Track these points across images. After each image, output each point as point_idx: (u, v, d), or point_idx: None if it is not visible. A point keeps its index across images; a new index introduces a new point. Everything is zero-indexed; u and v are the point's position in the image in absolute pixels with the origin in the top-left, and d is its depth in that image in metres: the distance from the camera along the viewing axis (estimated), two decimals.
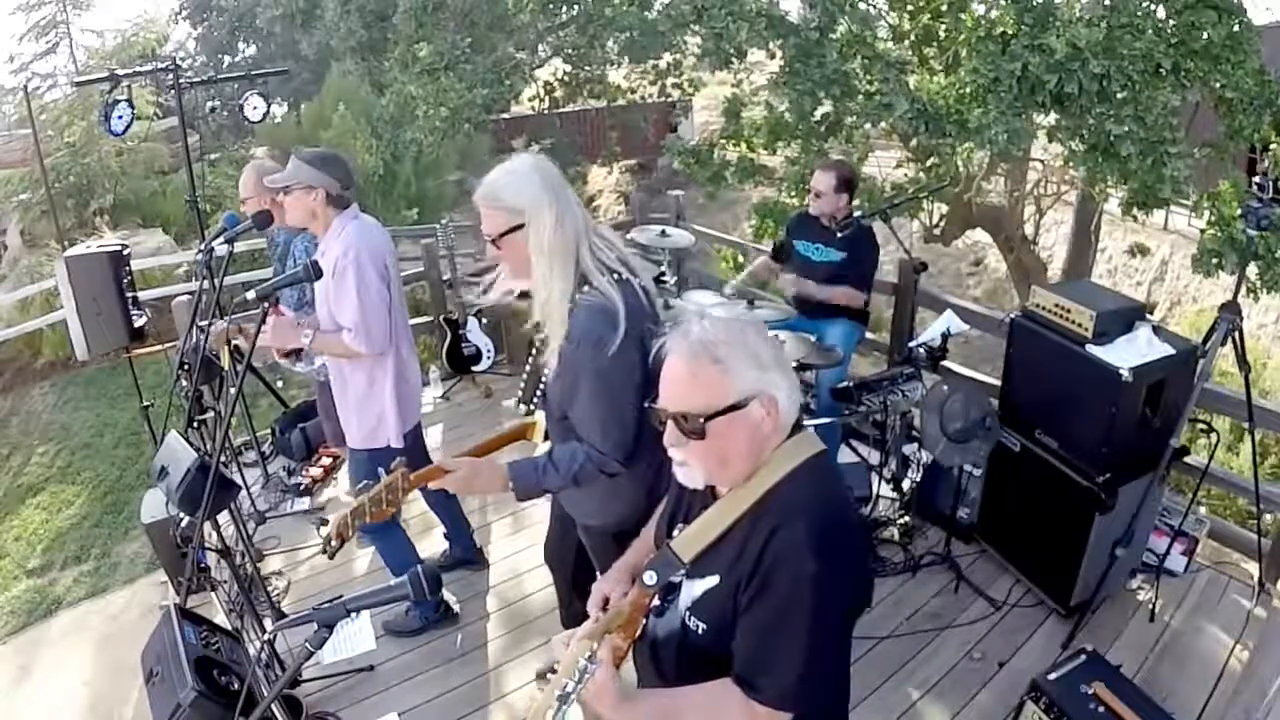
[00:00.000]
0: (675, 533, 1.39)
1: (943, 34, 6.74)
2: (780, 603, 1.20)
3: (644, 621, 1.37)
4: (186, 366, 3.35)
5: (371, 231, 2.63)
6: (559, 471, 1.85)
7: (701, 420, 1.23)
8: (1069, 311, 2.79)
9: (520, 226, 1.77)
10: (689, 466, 1.30)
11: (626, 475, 1.95)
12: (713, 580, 1.29)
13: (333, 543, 1.76)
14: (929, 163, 7.22)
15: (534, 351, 1.94)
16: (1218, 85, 5.22)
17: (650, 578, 1.32)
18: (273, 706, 2.21)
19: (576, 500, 2.08)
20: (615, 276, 1.80)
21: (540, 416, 2.02)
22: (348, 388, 2.72)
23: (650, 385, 1.87)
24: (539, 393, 1.98)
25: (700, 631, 1.31)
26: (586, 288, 1.78)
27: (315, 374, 3.55)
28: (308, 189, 2.55)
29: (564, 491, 2.07)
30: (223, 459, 2.53)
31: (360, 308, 2.52)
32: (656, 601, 1.37)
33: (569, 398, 1.84)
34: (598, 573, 2.23)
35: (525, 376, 2.05)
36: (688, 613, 1.33)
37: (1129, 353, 2.65)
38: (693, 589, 1.33)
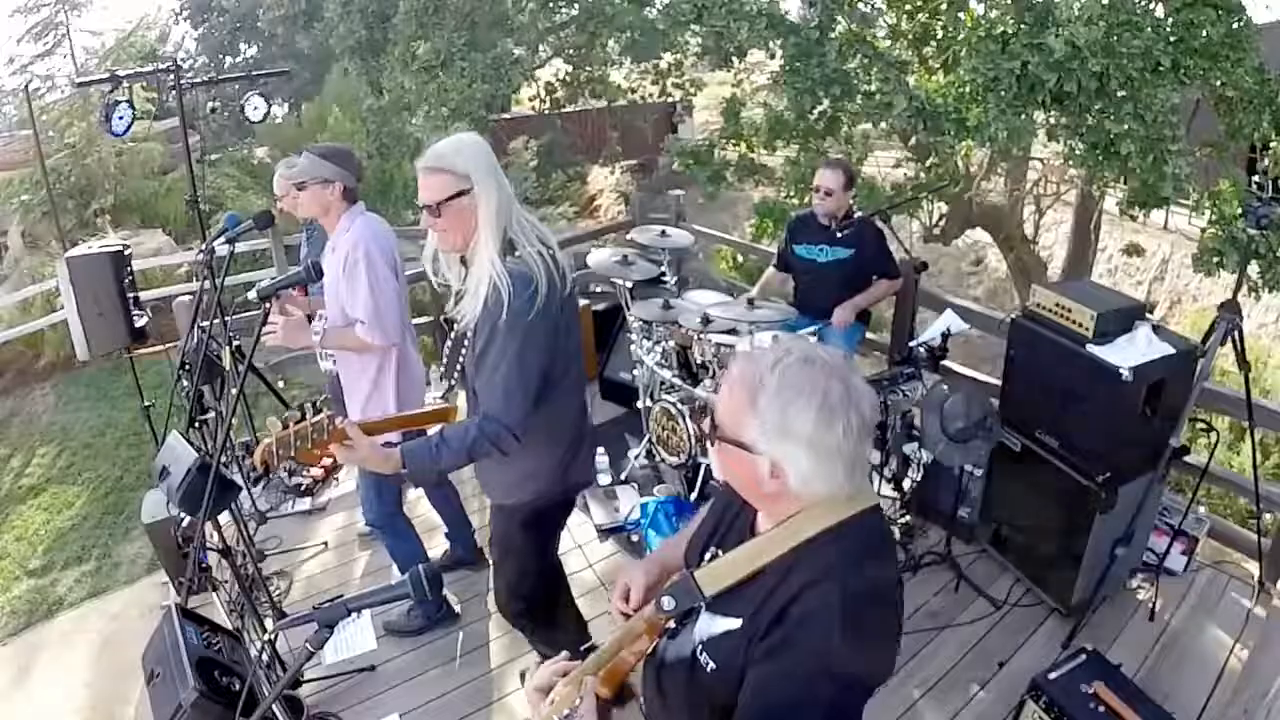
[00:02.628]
0: (706, 557, 1.35)
1: (940, 33, 6.75)
2: (796, 669, 1.13)
3: (656, 643, 1.32)
4: (188, 367, 3.36)
5: (378, 226, 2.68)
6: (452, 449, 1.87)
7: (714, 436, 1.22)
8: (1069, 311, 2.80)
9: (465, 192, 1.85)
10: (712, 458, 1.29)
11: (542, 454, 2.00)
12: (733, 624, 1.23)
13: (257, 468, 1.78)
14: (929, 162, 7.22)
15: (452, 325, 1.98)
16: (1217, 83, 5.22)
17: (668, 603, 1.27)
18: (274, 707, 2.22)
19: (493, 478, 2.12)
20: (537, 250, 1.88)
21: (461, 398, 2.04)
22: (358, 381, 2.74)
23: (558, 360, 1.92)
24: (459, 368, 2.01)
25: (709, 670, 1.25)
26: (513, 255, 1.86)
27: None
28: (325, 182, 2.62)
29: (481, 469, 2.11)
30: (224, 459, 2.54)
31: (373, 300, 2.55)
32: (671, 624, 1.33)
33: (480, 363, 1.88)
34: (490, 556, 2.22)
35: (447, 350, 2.04)
36: (700, 647, 1.27)
37: (1129, 352, 2.65)
38: (711, 625, 1.26)
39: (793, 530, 1.20)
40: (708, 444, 1.28)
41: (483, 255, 1.85)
